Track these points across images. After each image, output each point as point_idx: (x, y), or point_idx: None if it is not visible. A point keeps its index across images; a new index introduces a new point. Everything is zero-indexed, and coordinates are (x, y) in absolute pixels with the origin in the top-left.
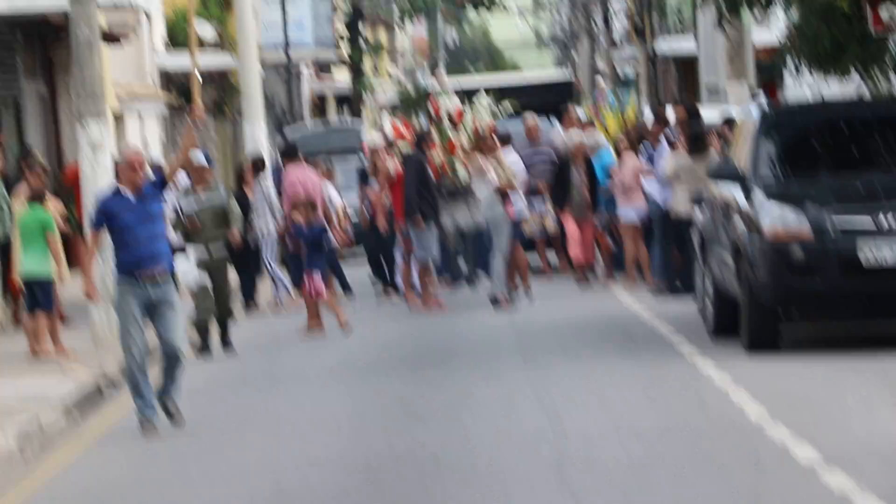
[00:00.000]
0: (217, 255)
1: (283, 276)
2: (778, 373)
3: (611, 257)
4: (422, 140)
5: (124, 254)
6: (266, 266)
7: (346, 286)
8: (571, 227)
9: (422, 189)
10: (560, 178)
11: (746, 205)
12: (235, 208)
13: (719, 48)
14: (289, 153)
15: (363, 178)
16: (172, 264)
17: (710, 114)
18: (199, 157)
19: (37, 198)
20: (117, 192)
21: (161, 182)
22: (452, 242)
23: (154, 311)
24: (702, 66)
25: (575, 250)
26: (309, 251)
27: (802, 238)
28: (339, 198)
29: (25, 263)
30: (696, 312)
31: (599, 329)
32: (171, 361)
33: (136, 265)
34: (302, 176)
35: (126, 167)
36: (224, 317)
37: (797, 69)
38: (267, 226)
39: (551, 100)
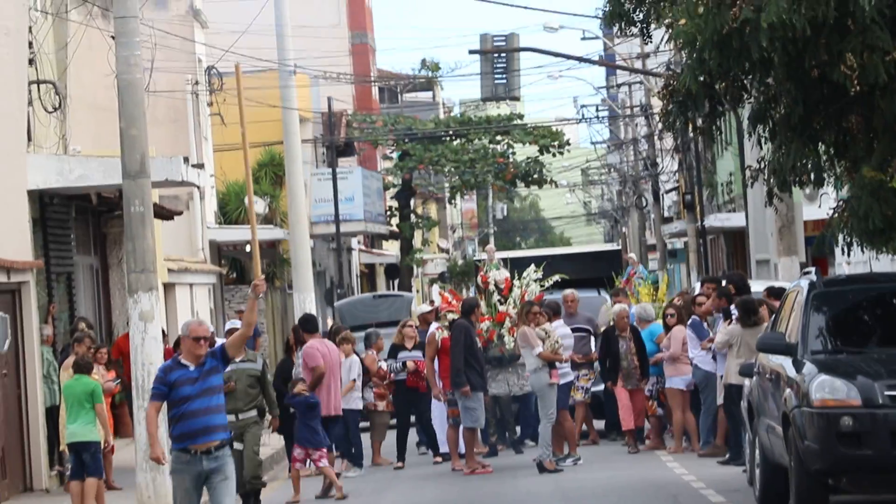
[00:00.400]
0: (244, 419)
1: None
2: None
3: (659, 424)
4: (469, 309)
5: (181, 426)
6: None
7: (354, 457)
8: (622, 396)
9: (469, 357)
10: (608, 349)
11: (795, 374)
12: (270, 391)
13: (769, 223)
14: (308, 328)
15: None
16: (228, 436)
17: (759, 288)
18: (236, 324)
19: (83, 367)
20: (178, 363)
21: (222, 356)
22: (502, 408)
23: (208, 481)
24: (751, 240)
25: (626, 418)
26: (299, 421)
27: (852, 407)
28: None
29: (73, 430)
30: (744, 481)
31: (647, 495)
32: None
33: (192, 438)
34: (322, 348)
35: (190, 340)
36: (252, 483)
37: (848, 246)
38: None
39: (600, 270)
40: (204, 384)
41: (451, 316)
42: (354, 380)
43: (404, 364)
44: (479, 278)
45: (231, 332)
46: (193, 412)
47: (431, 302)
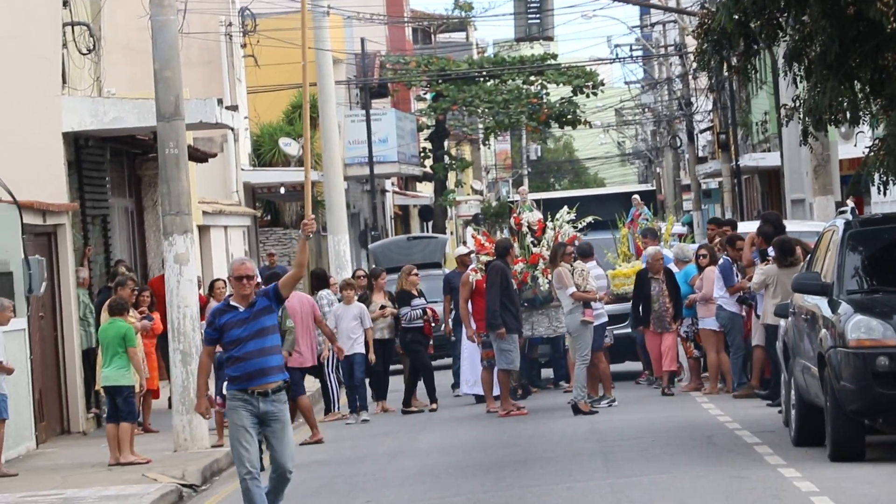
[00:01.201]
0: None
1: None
2: (862, 483)
3: (696, 365)
4: (504, 250)
5: (235, 368)
6: (327, 377)
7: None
8: (653, 340)
9: (504, 299)
10: (640, 291)
11: (831, 315)
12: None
13: (804, 162)
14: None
15: (447, 289)
16: (285, 377)
17: (795, 228)
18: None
19: (117, 310)
20: (228, 306)
21: (276, 296)
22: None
23: (265, 424)
24: (786, 179)
25: (657, 362)
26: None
27: (888, 347)
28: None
29: (106, 374)
30: (779, 421)
31: (681, 436)
32: (280, 479)
33: (247, 380)
34: (292, 301)
35: (234, 280)
36: None
37: (884, 184)
38: (322, 337)
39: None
40: (255, 325)
41: (484, 258)
42: (370, 328)
43: (424, 311)
44: (512, 220)
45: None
46: (247, 354)
47: (465, 243)
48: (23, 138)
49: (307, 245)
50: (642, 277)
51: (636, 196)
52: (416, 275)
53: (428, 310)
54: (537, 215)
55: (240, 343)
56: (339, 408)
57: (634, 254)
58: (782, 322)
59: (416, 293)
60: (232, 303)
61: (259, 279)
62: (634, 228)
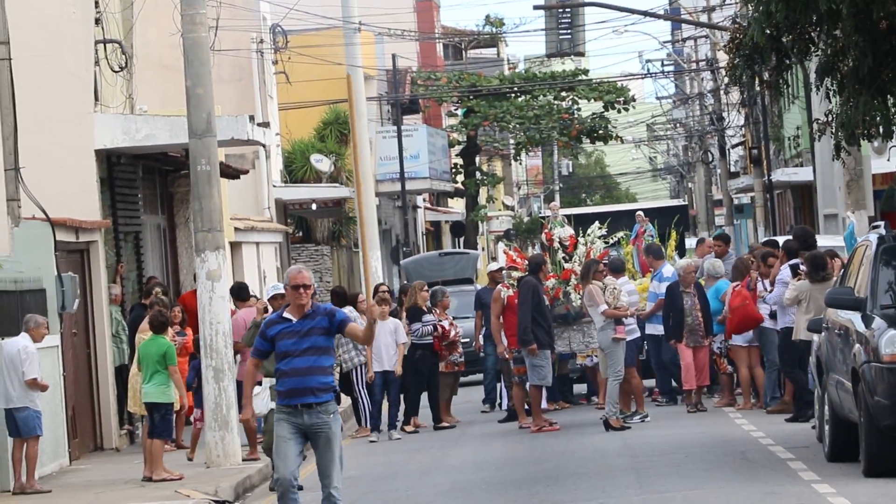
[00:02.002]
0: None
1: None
2: None
3: (730, 381)
4: (536, 266)
5: (284, 382)
6: (357, 392)
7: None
8: (686, 354)
9: (536, 315)
10: (672, 305)
11: (865, 330)
12: None
13: (837, 177)
14: (242, 295)
15: (478, 305)
16: (336, 396)
17: (827, 243)
18: (279, 287)
19: (159, 326)
20: (281, 318)
21: (337, 326)
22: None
23: (312, 438)
24: (819, 194)
25: (688, 378)
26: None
27: None
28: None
29: (147, 390)
30: (813, 436)
31: (715, 451)
32: (326, 499)
33: (291, 396)
34: (246, 320)
35: (290, 288)
36: None
37: None
38: (348, 353)
39: (666, 225)
40: (307, 341)
41: (515, 274)
42: (404, 343)
43: (435, 327)
44: (543, 236)
45: (275, 297)
46: (294, 370)
47: (496, 259)
48: (55, 156)
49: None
50: (673, 291)
51: (640, 213)
52: (427, 291)
53: (438, 326)
54: (569, 231)
55: (288, 357)
56: (369, 423)
57: (640, 271)
58: (815, 337)
59: (426, 309)
60: (286, 314)
61: (315, 288)
62: (639, 245)
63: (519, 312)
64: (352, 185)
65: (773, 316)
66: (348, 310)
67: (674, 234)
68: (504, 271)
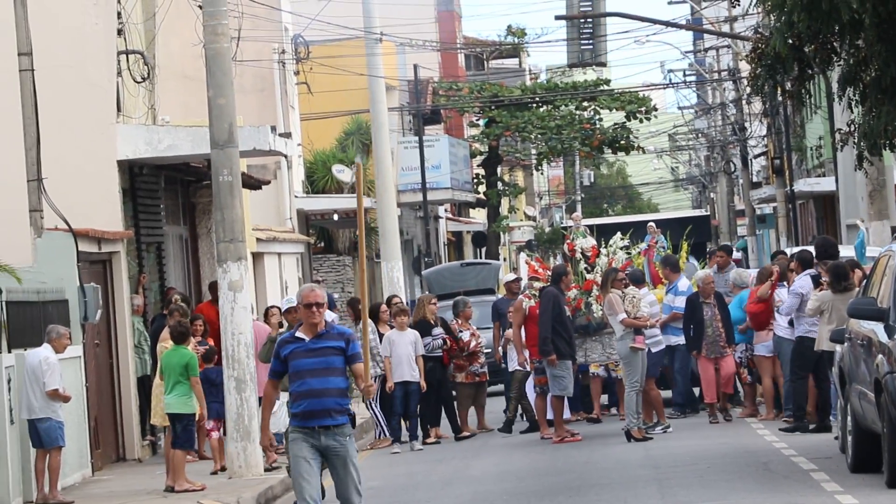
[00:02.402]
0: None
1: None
2: None
3: (752, 391)
4: (558, 276)
5: (299, 404)
6: (369, 407)
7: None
8: (706, 367)
9: (557, 325)
10: (692, 316)
11: (888, 340)
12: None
13: (860, 187)
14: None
15: (495, 316)
16: (351, 419)
17: (850, 253)
18: (293, 300)
19: (181, 336)
20: (294, 337)
21: (349, 354)
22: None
23: (329, 460)
24: (841, 204)
25: (709, 391)
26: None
27: None
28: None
29: (169, 401)
30: (836, 447)
31: (737, 462)
32: None
33: (307, 418)
34: (260, 331)
35: (302, 307)
36: None
37: None
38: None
39: (688, 236)
40: (321, 361)
41: (537, 284)
42: (422, 355)
43: (444, 341)
44: (565, 246)
45: (289, 311)
46: (309, 392)
47: (516, 270)
48: (78, 166)
49: (372, 389)
50: (694, 302)
51: (652, 224)
52: (435, 304)
53: (448, 339)
54: (591, 241)
55: (302, 377)
56: (388, 434)
57: (651, 282)
58: (838, 348)
59: (434, 322)
60: (298, 334)
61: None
62: (650, 256)
63: (539, 323)
64: (373, 196)
65: (792, 324)
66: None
67: (685, 245)
68: (523, 282)
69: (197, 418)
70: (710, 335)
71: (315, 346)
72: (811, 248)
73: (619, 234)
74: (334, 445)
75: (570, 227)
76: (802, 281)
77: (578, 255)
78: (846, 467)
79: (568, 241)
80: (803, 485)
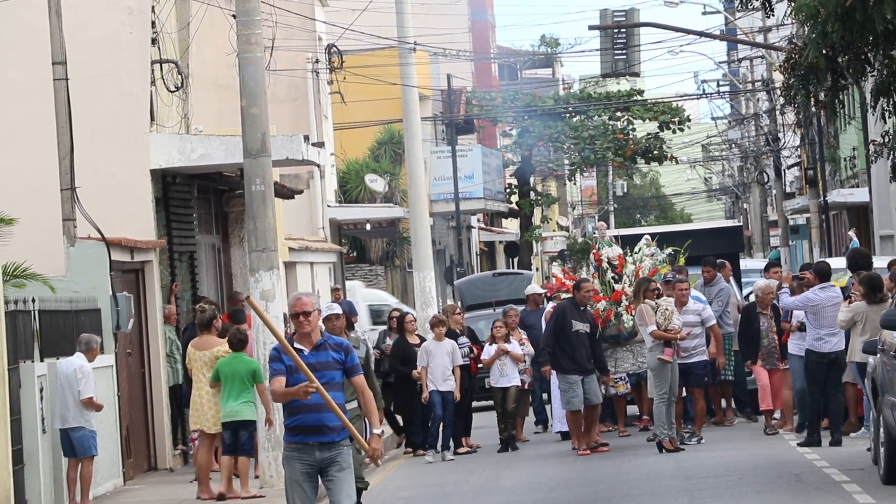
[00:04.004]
0: (349, 408)
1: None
2: None
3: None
4: (575, 288)
5: (293, 419)
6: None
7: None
8: (762, 375)
9: (561, 340)
10: (748, 325)
11: None
12: (374, 380)
13: (893, 198)
14: (239, 318)
15: (521, 326)
16: (346, 436)
17: (883, 265)
18: (334, 307)
19: (238, 344)
20: (292, 346)
21: (348, 368)
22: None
23: (324, 473)
24: (875, 215)
25: (765, 398)
26: None
27: None
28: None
29: (234, 408)
30: (868, 459)
31: (769, 473)
32: None
33: (303, 433)
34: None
35: (292, 318)
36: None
37: None
38: None
39: (720, 247)
40: (322, 375)
41: (564, 296)
42: (460, 365)
43: (471, 349)
44: (591, 256)
45: (329, 318)
46: (304, 406)
47: (548, 280)
48: (111, 175)
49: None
50: (750, 312)
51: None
52: (460, 314)
53: (475, 348)
54: (617, 251)
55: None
56: (417, 442)
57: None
58: (871, 359)
59: (461, 332)
60: (296, 345)
61: (319, 310)
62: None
63: (544, 333)
64: (406, 206)
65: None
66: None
67: (681, 258)
68: (556, 293)
69: (266, 425)
70: (765, 346)
71: (314, 359)
72: (828, 260)
73: (644, 241)
74: (331, 456)
75: (596, 236)
76: (820, 293)
77: (605, 265)
78: (878, 478)
79: (594, 250)
80: (835, 496)
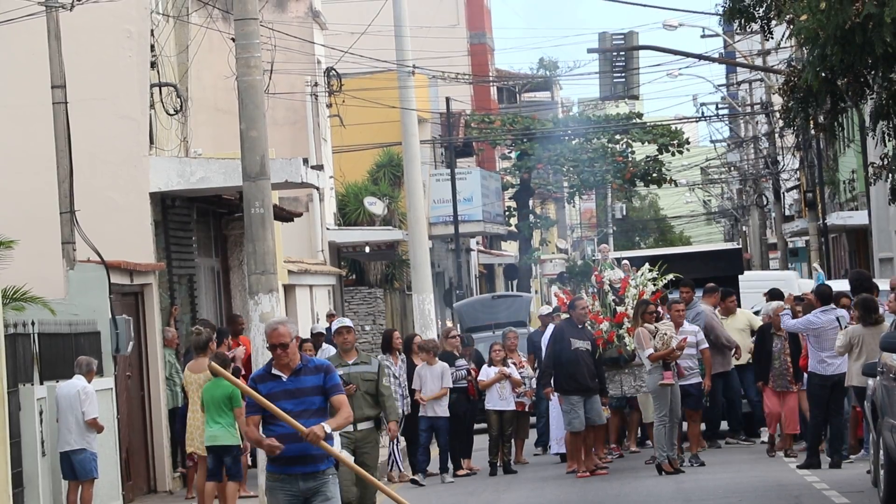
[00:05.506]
0: (362, 429)
1: (400, 452)
2: None
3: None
4: (569, 307)
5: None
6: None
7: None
8: (771, 401)
9: (562, 360)
10: (762, 347)
11: None
12: (388, 393)
13: (892, 221)
14: (200, 346)
15: (530, 348)
16: (332, 465)
17: (884, 286)
18: (345, 321)
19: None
20: (269, 374)
21: (329, 389)
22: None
23: (308, 500)
24: (874, 238)
25: (771, 423)
26: None
27: None
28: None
29: (215, 433)
30: (868, 481)
31: (769, 496)
32: None
33: (286, 464)
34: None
35: (270, 349)
36: (366, 501)
37: None
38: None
39: (719, 269)
40: (302, 402)
41: (564, 317)
42: (449, 387)
43: (468, 371)
44: (593, 278)
45: (339, 330)
46: (287, 436)
47: (549, 303)
48: (110, 198)
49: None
50: (765, 332)
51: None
52: (455, 337)
53: (472, 370)
54: (620, 274)
55: (279, 421)
56: (401, 468)
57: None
58: (870, 382)
59: (457, 354)
60: (274, 371)
61: (297, 337)
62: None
63: (544, 355)
64: (405, 228)
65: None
66: (382, 357)
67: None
68: (553, 314)
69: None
70: (776, 367)
71: (293, 386)
72: (829, 283)
73: (646, 265)
74: (316, 486)
75: (598, 259)
76: (821, 316)
77: (607, 287)
78: (878, 501)
79: (595, 272)
80: None
